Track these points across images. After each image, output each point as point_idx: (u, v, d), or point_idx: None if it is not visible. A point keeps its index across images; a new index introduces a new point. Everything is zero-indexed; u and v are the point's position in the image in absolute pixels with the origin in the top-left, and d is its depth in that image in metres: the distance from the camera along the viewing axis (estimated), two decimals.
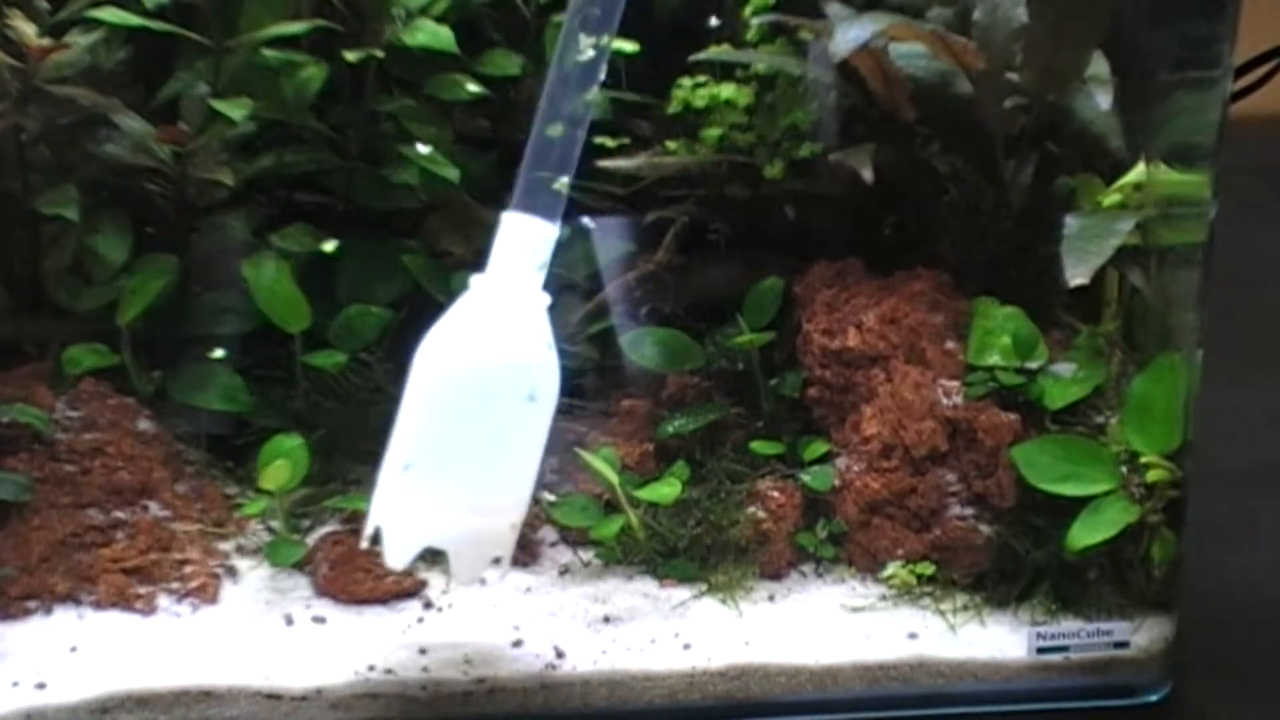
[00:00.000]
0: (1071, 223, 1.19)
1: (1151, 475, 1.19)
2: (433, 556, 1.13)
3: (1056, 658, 1.20)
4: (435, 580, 1.22)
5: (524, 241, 1.11)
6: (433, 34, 1.25)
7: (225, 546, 1.23)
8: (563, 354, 1.12)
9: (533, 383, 1.09)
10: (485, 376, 1.09)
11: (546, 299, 1.12)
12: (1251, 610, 1.31)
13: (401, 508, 1.10)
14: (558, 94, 1.10)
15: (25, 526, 1.19)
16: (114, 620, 1.18)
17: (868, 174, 1.20)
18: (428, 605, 1.21)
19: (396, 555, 1.11)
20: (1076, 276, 1.15)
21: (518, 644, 1.18)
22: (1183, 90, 1.19)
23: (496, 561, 1.12)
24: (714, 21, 1.27)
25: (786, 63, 1.26)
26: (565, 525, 1.25)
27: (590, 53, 1.10)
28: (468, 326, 1.10)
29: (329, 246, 1.25)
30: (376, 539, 1.10)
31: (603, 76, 1.11)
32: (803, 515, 1.24)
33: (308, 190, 1.32)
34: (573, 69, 1.10)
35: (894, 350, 1.24)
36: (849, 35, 1.16)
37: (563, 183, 1.11)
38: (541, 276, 1.11)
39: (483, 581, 1.23)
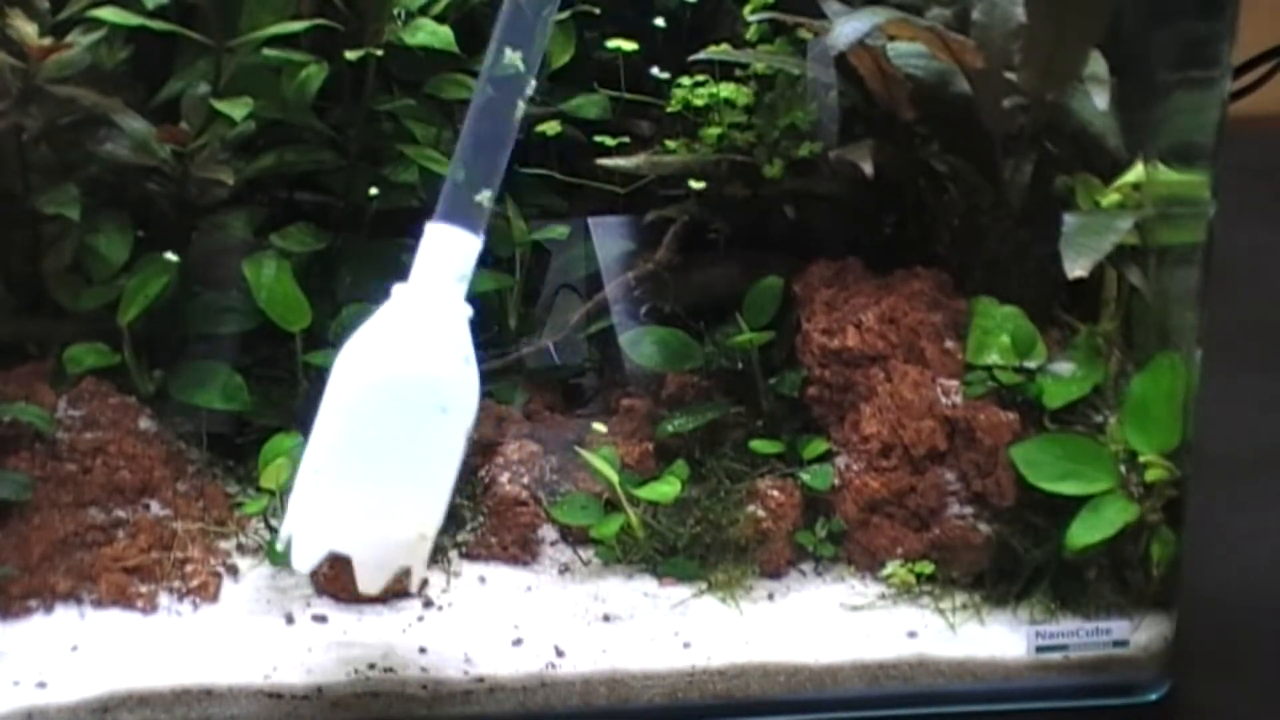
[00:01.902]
0: (1070, 220, 1.19)
1: (1150, 474, 1.19)
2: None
3: (1056, 656, 1.20)
4: (435, 580, 1.23)
5: (446, 252, 1.11)
6: (433, 33, 1.25)
7: (226, 545, 1.23)
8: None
9: (445, 395, 1.09)
10: (396, 385, 1.09)
11: (467, 310, 1.12)
12: (1251, 609, 1.31)
13: (308, 512, 1.10)
14: (483, 107, 1.10)
15: (26, 525, 1.19)
16: (115, 619, 1.18)
17: (868, 168, 1.20)
18: (428, 604, 1.21)
19: (302, 559, 1.11)
20: (1076, 270, 1.15)
21: (518, 643, 1.18)
22: (1182, 90, 1.19)
23: (406, 573, 1.12)
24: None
25: (786, 62, 1.26)
26: (565, 524, 1.25)
27: (517, 66, 1.10)
28: (384, 335, 1.10)
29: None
30: (288, 546, 1.11)
31: (529, 91, 1.11)
32: (802, 514, 1.24)
33: (308, 190, 1.32)
34: (499, 81, 1.10)
35: (893, 349, 1.24)
36: (848, 28, 1.16)
37: (486, 195, 1.11)
38: (463, 288, 1.11)
39: (482, 580, 1.23)
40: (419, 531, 1.11)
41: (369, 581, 1.11)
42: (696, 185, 1.27)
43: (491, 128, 1.11)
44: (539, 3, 1.09)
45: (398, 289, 1.11)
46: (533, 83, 1.10)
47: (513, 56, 1.09)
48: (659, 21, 1.29)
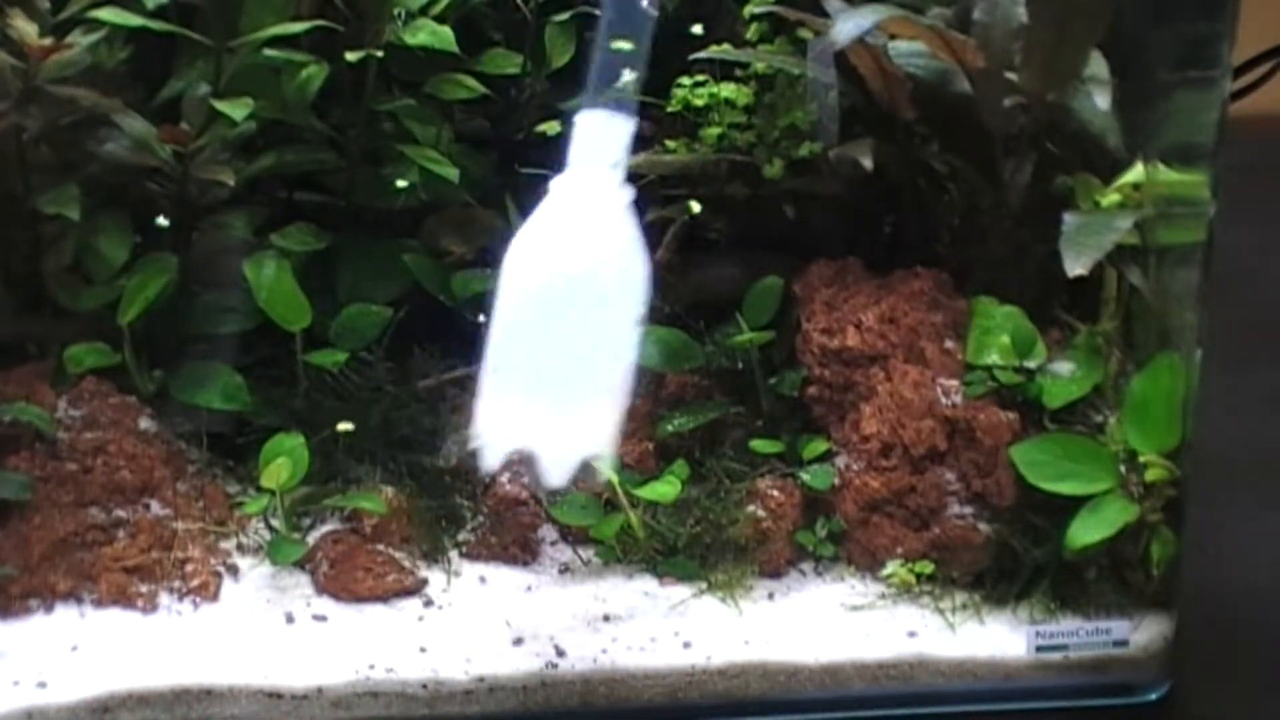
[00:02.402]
0: (1070, 219, 1.19)
1: (1150, 474, 1.19)
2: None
3: (1056, 656, 1.20)
4: (435, 579, 1.23)
5: (596, 140, 1.11)
6: (433, 33, 1.25)
7: (226, 545, 1.23)
8: None
9: (606, 284, 1.10)
10: (557, 280, 1.10)
11: (627, 194, 1.12)
12: (1251, 609, 1.31)
13: (489, 412, 1.12)
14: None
15: (26, 525, 1.19)
16: (115, 619, 1.18)
17: (867, 162, 1.20)
18: (428, 604, 1.21)
19: (489, 459, 1.13)
20: (1076, 269, 1.15)
21: (518, 643, 1.18)
22: (1182, 90, 1.19)
23: (593, 461, 1.13)
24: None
25: (786, 62, 1.26)
26: (565, 524, 1.25)
27: None
28: (542, 231, 1.11)
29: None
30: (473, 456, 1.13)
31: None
32: (802, 514, 1.24)
33: (308, 190, 1.32)
34: None
35: (893, 349, 1.24)
36: (849, 25, 1.16)
37: (629, 76, 1.11)
38: (619, 173, 1.11)
39: (482, 580, 1.23)
40: (599, 420, 1.12)
41: (555, 474, 1.13)
42: (693, 206, 1.27)
43: (626, 6, 1.10)
44: None
45: (555, 182, 1.11)
46: None
47: None
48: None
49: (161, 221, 1.27)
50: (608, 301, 1.11)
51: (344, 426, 1.23)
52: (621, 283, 1.12)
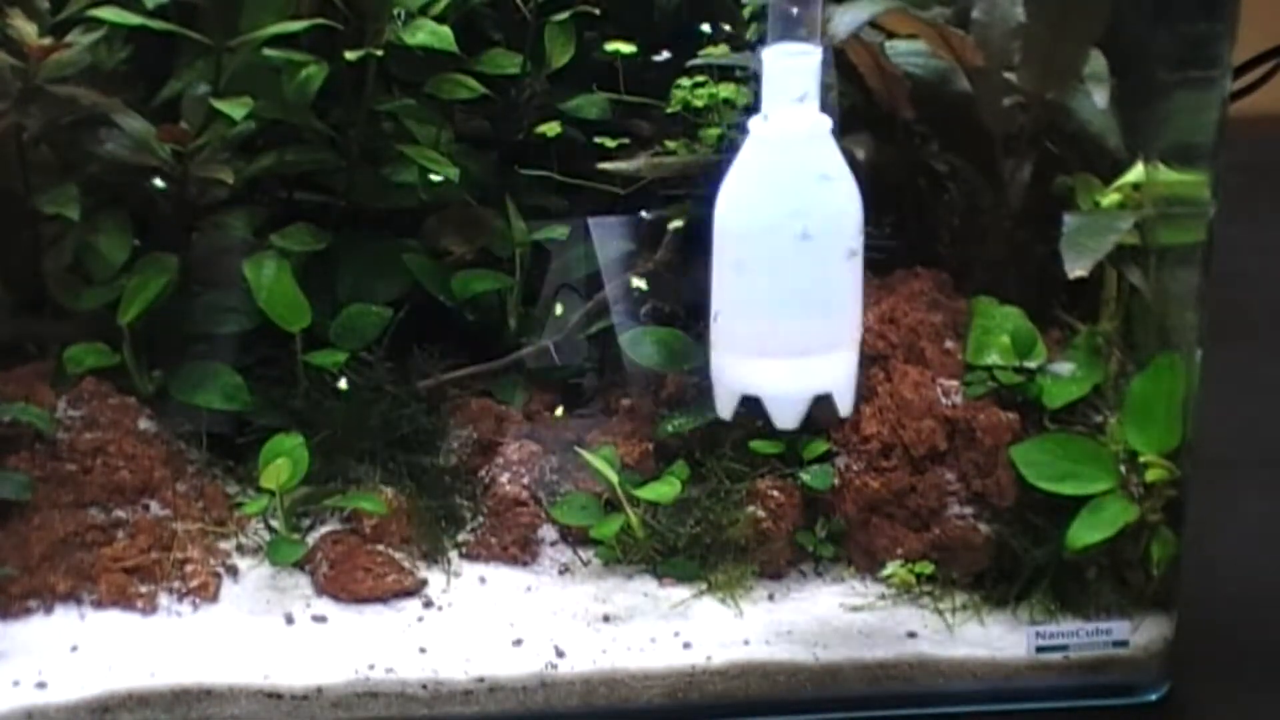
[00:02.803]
0: (1070, 220, 1.19)
1: (1151, 474, 1.19)
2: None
3: (1056, 657, 1.20)
4: (435, 579, 1.23)
5: (782, 75, 1.10)
6: (433, 33, 1.25)
7: (226, 545, 1.23)
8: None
9: (808, 220, 1.09)
10: (760, 223, 1.10)
11: (825, 122, 1.11)
12: (1251, 609, 1.31)
13: (714, 359, 1.13)
14: None
15: (26, 525, 1.19)
16: (114, 619, 1.18)
17: (862, 154, 1.20)
18: (428, 604, 1.21)
19: (722, 407, 1.14)
20: (1076, 269, 1.15)
21: (518, 643, 1.18)
22: (1182, 90, 1.19)
23: (826, 399, 1.13)
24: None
25: None
26: (565, 524, 1.25)
27: None
28: (743, 175, 1.11)
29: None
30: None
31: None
32: (802, 514, 1.24)
33: (308, 190, 1.32)
34: None
35: (893, 349, 1.24)
36: (846, 19, 1.16)
37: (803, 7, 1.10)
38: (814, 102, 1.10)
39: (482, 580, 1.23)
40: (830, 358, 1.12)
41: (784, 417, 1.13)
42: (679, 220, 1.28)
43: None
44: None
45: (752, 122, 1.11)
46: None
47: None
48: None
49: (161, 222, 1.27)
50: (829, 235, 1.10)
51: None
52: (841, 214, 1.11)
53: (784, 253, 1.09)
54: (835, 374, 1.13)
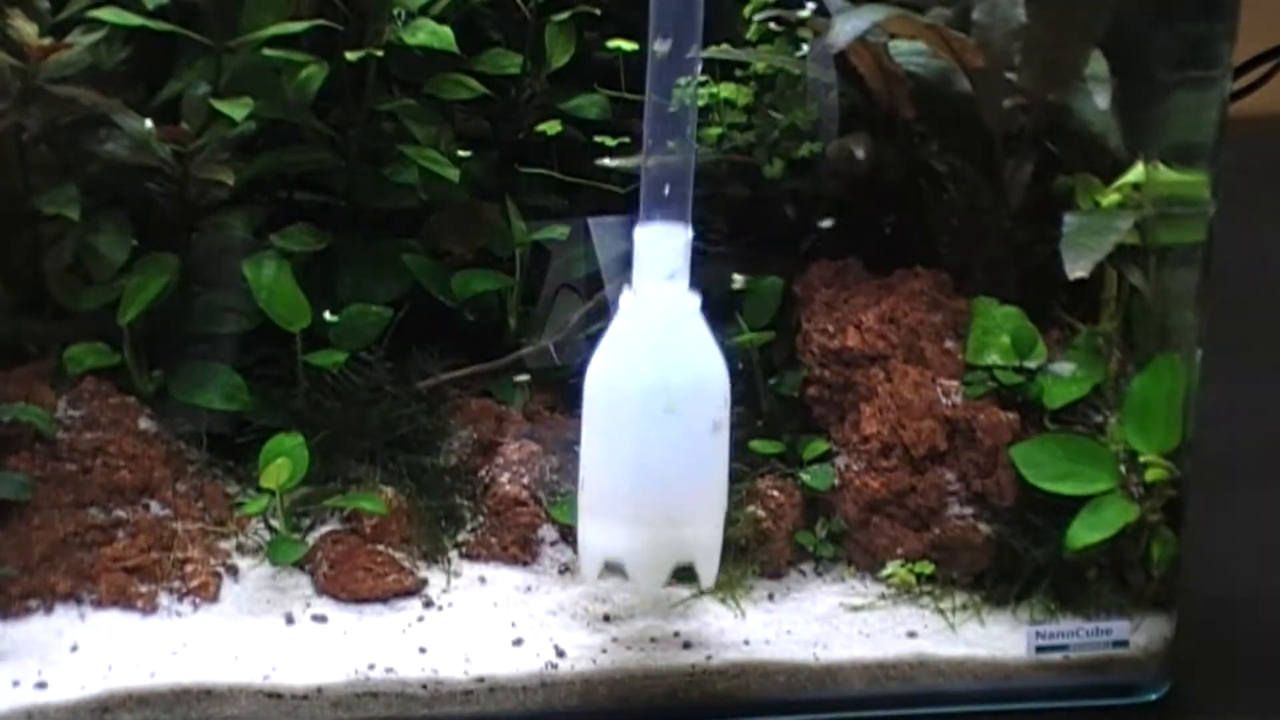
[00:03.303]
0: (1070, 220, 1.19)
1: (1151, 474, 1.19)
2: None
3: (1056, 656, 1.20)
4: (435, 579, 1.23)
5: (654, 252, 1.13)
6: (433, 33, 1.25)
7: (226, 545, 1.23)
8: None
9: (674, 394, 1.12)
10: (628, 394, 1.12)
11: (694, 301, 1.13)
12: (1251, 608, 1.31)
13: (580, 523, 1.15)
14: (655, 102, 1.12)
15: (26, 525, 1.19)
16: (115, 619, 1.18)
17: (860, 153, 1.20)
18: (428, 604, 1.21)
19: (586, 571, 1.15)
20: (1076, 270, 1.15)
21: (518, 643, 1.18)
22: (1182, 90, 1.19)
23: (688, 570, 1.15)
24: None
25: (786, 62, 1.26)
26: (565, 524, 1.25)
27: (690, 52, 1.11)
28: (612, 348, 1.13)
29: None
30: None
31: (698, 72, 1.12)
32: (802, 514, 1.24)
33: (308, 190, 1.32)
34: (661, 70, 1.11)
35: (893, 349, 1.24)
36: (848, 26, 1.16)
37: (674, 186, 1.12)
38: (682, 281, 1.13)
39: (482, 580, 1.23)
40: (693, 528, 1.13)
41: (646, 584, 1.14)
42: None
43: (665, 120, 1.12)
44: None
45: (623, 299, 1.13)
46: (699, 67, 1.11)
47: (663, 46, 1.10)
48: None
49: (161, 222, 1.27)
50: (694, 408, 1.13)
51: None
52: (706, 388, 1.13)
53: (649, 424, 1.12)
54: (698, 544, 1.15)
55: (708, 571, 1.16)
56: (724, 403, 1.14)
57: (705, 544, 1.15)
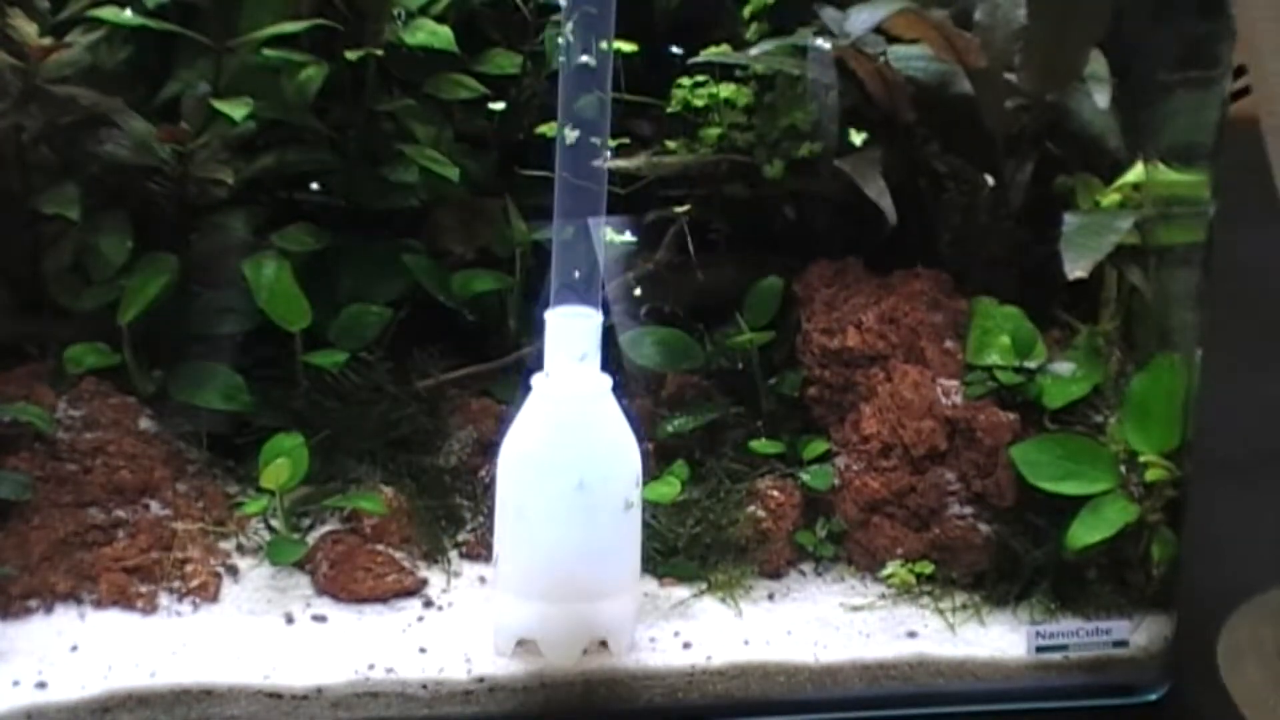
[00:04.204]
0: (1071, 220, 1.19)
1: (1151, 474, 1.19)
2: None
3: (1056, 657, 1.20)
4: (435, 579, 1.23)
5: (564, 336, 1.14)
6: (432, 33, 1.25)
7: (226, 545, 1.23)
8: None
9: (585, 471, 1.13)
10: (538, 474, 1.14)
11: (605, 382, 1.15)
12: None
13: (494, 601, 1.17)
14: (562, 185, 1.13)
15: (26, 525, 1.19)
16: (115, 619, 1.18)
17: (886, 205, 1.21)
18: (428, 604, 1.21)
19: (500, 647, 1.16)
20: (1075, 270, 1.15)
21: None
22: (1182, 90, 1.19)
23: (604, 644, 1.16)
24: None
25: (786, 63, 1.26)
26: None
27: (598, 142, 1.12)
28: (523, 430, 1.14)
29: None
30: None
31: (606, 158, 1.13)
32: (802, 514, 1.25)
33: (308, 190, 1.32)
34: (570, 152, 1.12)
35: (893, 349, 1.24)
36: (861, 18, 1.17)
37: (583, 272, 1.14)
38: (593, 362, 1.14)
39: (482, 580, 1.23)
40: (606, 605, 1.15)
41: (558, 660, 1.15)
42: (679, 209, 1.28)
43: (574, 203, 1.13)
44: (589, 71, 1.11)
45: (535, 380, 1.15)
46: (607, 154, 1.13)
47: (572, 134, 1.12)
48: None
49: (161, 222, 1.27)
50: (605, 487, 1.14)
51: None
52: (617, 468, 1.14)
53: (561, 503, 1.13)
54: (611, 620, 1.16)
55: (621, 646, 1.16)
56: (635, 481, 1.15)
57: (618, 620, 1.16)
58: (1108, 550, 1.20)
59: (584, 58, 1.11)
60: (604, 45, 1.11)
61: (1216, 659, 1.24)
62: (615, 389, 1.15)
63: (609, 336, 1.28)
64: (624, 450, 1.15)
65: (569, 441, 1.14)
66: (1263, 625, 1.11)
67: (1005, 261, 1.26)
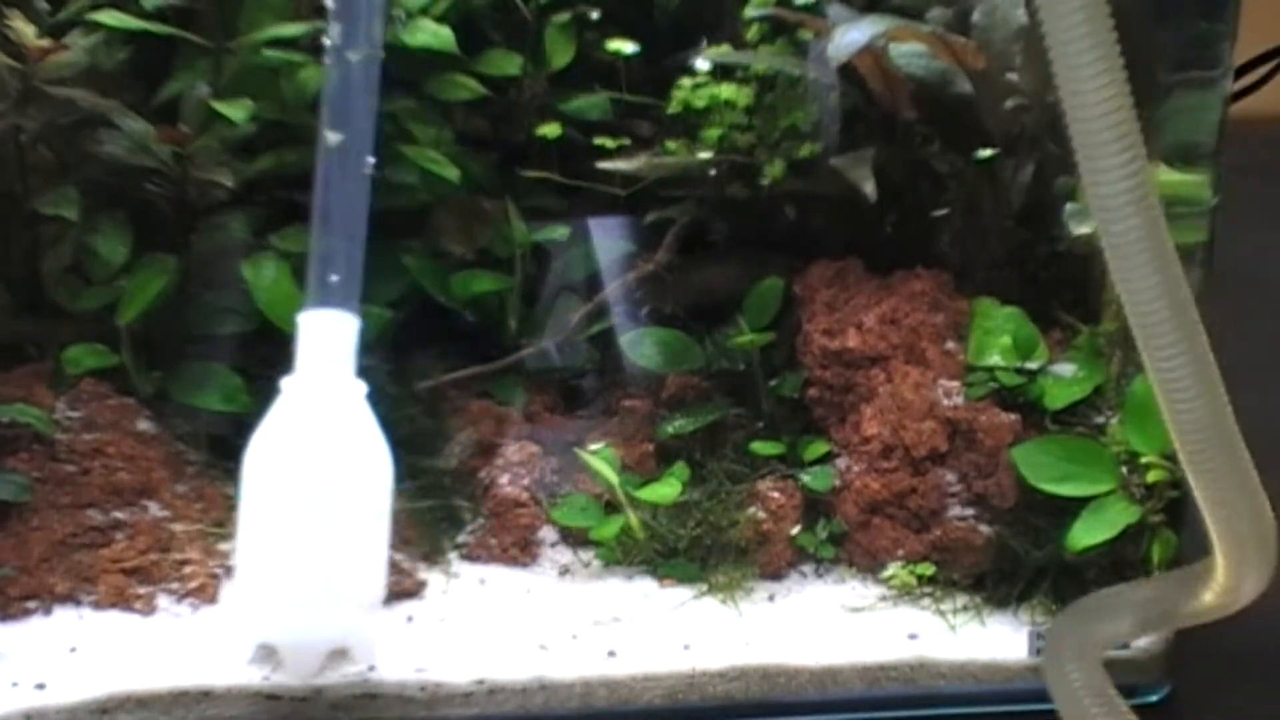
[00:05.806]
0: (1071, 207, 1.19)
1: (1152, 475, 1.19)
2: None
3: None
4: (435, 581, 1.22)
5: (321, 340, 1.13)
6: (433, 34, 1.25)
7: (225, 547, 1.23)
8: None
9: (341, 478, 1.12)
10: (290, 479, 1.12)
11: (360, 388, 1.13)
12: (1252, 610, 1.30)
13: (234, 608, 1.15)
14: (324, 185, 1.12)
15: (25, 527, 1.19)
16: (114, 620, 1.18)
17: (868, 188, 1.20)
18: (427, 606, 1.21)
19: (236, 651, 1.14)
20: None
21: (517, 644, 1.18)
22: (1182, 90, 1.19)
23: (344, 653, 1.14)
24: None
25: (786, 63, 1.26)
26: (565, 525, 1.25)
27: (368, 162, 1.12)
28: (275, 432, 1.13)
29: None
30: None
31: (369, 164, 1.12)
32: (803, 515, 1.24)
33: (308, 190, 1.31)
34: (334, 157, 1.12)
35: (894, 350, 1.24)
36: (847, 39, 1.17)
37: (341, 277, 1.12)
38: (349, 367, 1.13)
39: (482, 581, 1.23)
40: (347, 613, 1.13)
41: (297, 667, 1.13)
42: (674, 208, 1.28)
43: (336, 205, 1.12)
44: (361, 78, 1.11)
45: (285, 383, 1.13)
46: (370, 160, 1.12)
47: (335, 138, 1.11)
48: None
49: (161, 222, 1.27)
50: (352, 494, 1.12)
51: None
52: (366, 475, 1.13)
53: (305, 508, 1.11)
54: (352, 629, 1.14)
55: (364, 655, 1.15)
56: (385, 490, 1.13)
57: (359, 629, 1.14)
58: (1109, 551, 1.19)
59: (351, 55, 1.10)
60: (370, 49, 1.11)
61: (1208, 661, 1.24)
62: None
63: (609, 337, 1.28)
64: (372, 458, 1.13)
65: (315, 448, 1.12)
66: (1084, 627, 1.11)
67: (1006, 262, 1.26)
